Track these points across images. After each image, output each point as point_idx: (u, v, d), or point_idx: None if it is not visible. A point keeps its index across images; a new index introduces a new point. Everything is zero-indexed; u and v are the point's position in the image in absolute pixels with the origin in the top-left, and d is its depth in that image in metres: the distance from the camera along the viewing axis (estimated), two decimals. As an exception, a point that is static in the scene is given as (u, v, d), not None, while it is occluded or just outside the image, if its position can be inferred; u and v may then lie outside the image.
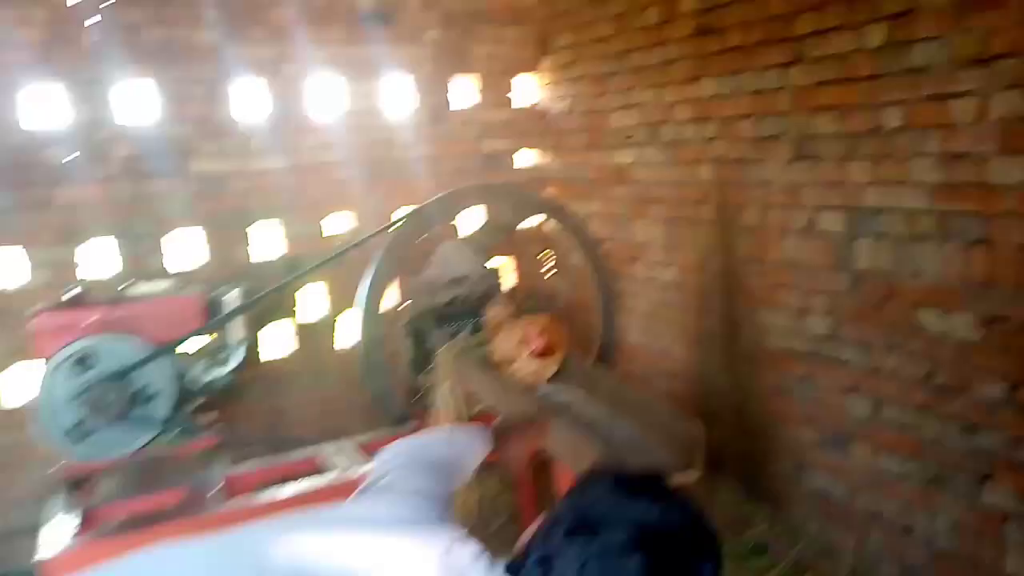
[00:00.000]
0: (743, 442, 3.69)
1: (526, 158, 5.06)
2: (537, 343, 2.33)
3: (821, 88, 3.06)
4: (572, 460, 2.03)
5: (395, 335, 2.97)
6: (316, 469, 2.68)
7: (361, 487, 1.33)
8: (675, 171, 3.91)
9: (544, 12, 4.84)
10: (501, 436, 1.83)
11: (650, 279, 4.21)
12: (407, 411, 2.96)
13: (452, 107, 4.80)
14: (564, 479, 2.74)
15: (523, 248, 5.00)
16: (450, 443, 1.60)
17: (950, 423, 2.72)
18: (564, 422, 2.06)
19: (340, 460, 2.63)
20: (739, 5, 3.42)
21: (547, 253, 5.01)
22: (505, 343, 2.43)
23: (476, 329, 2.86)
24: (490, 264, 2.98)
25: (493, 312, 2.65)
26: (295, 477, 2.58)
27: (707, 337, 3.85)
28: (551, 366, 2.45)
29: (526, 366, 2.40)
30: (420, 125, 4.73)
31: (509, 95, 4.95)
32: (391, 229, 3.01)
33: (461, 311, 2.87)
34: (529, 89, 5.00)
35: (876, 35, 2.82)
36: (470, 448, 1.69)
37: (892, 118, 2.80)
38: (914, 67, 2.70)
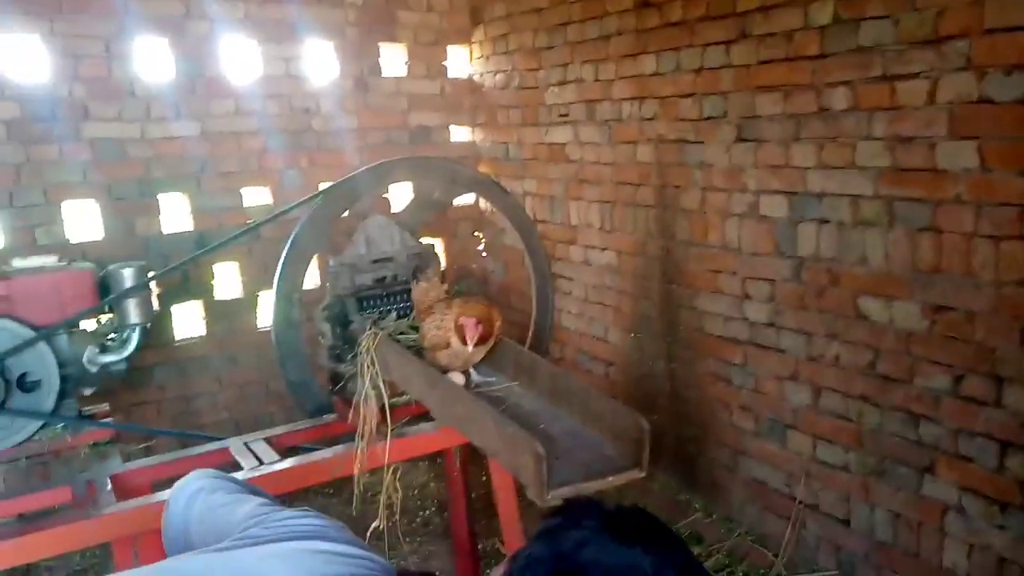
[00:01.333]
0: (680, 429, 3.59)
1: (457, 133, 4.82)
2: (473, 334, 2.13)
3: (765, 67, 2.95)
4: (508, 458, 1.85)
5: (314, 318, 2.72)
6: (221, 466, 2.41)
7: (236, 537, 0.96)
8: (613, 151, 3.76)
9: (477, -20, 4.61)
10: None
11: (585, 262, 4.06)
12: (326, 401, 2.72)
13: (378, 77, 4.52)
14: (500, 474, 2.57)
15: (454, 228, 4.79)
16: None
17: (891, 413, 2.67)
18: (499, 416, 1.87)
19: (249, 457, 2.37)
20: (681, -23, 3.28)
21: (479, 233, 4.81)
22: (436, 329, 2.22)
23: (402, 314, 2.64)
24: (418, 243, 2.76)
25: (421, 293, 2.43)
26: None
27: (644, 322, 3.73)
28: (482, 352, 2.26)
29: (458, 354, 2.20)
30: (343, 95, 4.44)
31: (439, 66, 4.70)
32: (312, 202, 2.75)
33: (386, 293, 2.64)
34: (460, 61, 4.76)
35: (823, 12, 2.71)
36: None
37: (838, 99, 2.70)
38: (862, 47, 2.60)
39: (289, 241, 2.68)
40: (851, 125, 2.67)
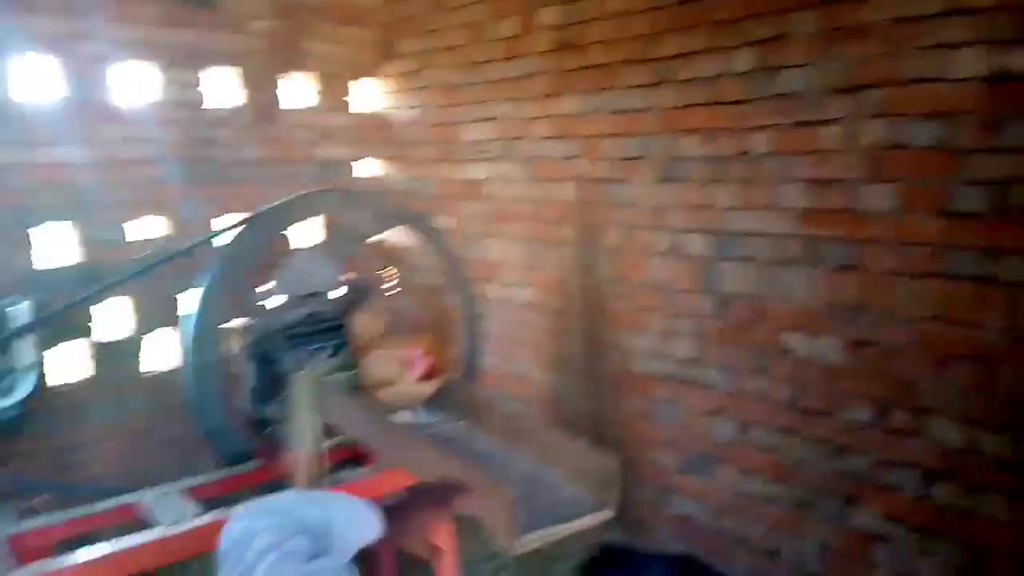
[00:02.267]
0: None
1: (367, 168, 4.70)
2: (422, 365, 2.03)
3: (688, 110, 3.04)
4: (472, 505, 1.74)
5: (232, 360, 2.52)
6: (133, 522, 2.17)
7: None
8: (534, 188, 3.76)
9: (386, 15, 4.54)
10: (404, 516, 1.40)
11: (505, 299, 4.01)
12: (248, 447, 2.51)
13: (284, 107, 4.35)
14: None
15: (364, 264, 4.62)
16: (324, 523, 1.11)
17: (816, 446, 2.75)
18: (463, 460, 1.77)
19: (165, 510, 2.14)
20: (600, 22, 3.35)
21: (390, 270, 4.66)
22: (381, 363, 2.10)
23: (334, 352, 2.49)
24: (351, 277, 2.63)
25: (362, 328, 2.30)
26: (106, 534, 2.06)
27: (567, 360, 3.71)
28: (430, 388, 2.16)
29: (405, 390, 2.08)
30: (247, 124, 4.24)
31: (348, 99, 4.58)
32: (228, 234, 2.57)
33: (317, 330, 2.49)
34: (371, 94, 4.66)
35: (744, 59, 2.83)
36: (352, 530, 1.20)
37: (760, 143, 2.82)
38: (783, 93, 2.73)
39: (209, 275, 2.48)
40: (772, 168, 2.78)
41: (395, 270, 4.59)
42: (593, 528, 1.81)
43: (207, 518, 2.07)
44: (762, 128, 2.80)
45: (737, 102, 2.87)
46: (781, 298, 2.81)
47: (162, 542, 1.99)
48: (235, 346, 2.56)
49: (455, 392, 2.26)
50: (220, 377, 2.44)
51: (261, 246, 2.53)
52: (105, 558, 1.89)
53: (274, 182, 4.26)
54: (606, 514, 1.78)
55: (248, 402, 2.45)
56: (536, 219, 3.77)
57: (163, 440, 3.89)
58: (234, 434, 2.47)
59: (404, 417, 2.15)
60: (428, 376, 2.08)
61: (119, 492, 2.30)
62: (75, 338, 3.76)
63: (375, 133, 4.67)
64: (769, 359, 2.87)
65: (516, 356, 4.01)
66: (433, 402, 2.25)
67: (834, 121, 2.60)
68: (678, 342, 3.19)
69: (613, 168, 3.35)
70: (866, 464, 2.60)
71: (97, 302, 3.56)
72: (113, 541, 1.95)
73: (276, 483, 2.33)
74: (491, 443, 2.07)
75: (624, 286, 3.38)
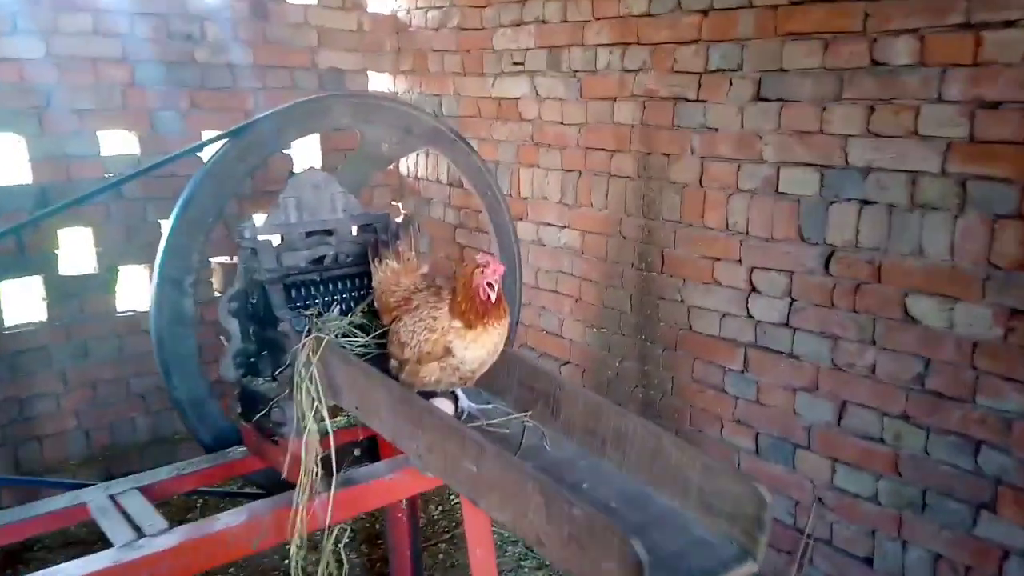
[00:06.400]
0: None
1: (377, 81, 4.03)
2: (497, 271, 1.45)
3: (798, 9, 2.40)
4: (567, 555, 1.18)
5: (217, 313, 1.93)
6: (76, 530, 1.61)
7: None
8: (582, 109, 3.12)
9: None
10: None
11: (538, 242, 3.42)
12: (228, 427, 1.94)
13: (280, 2, 3.66)
14: (475, 525, 1.90)
15: (368, 194, 4.00)
16: None
17: (942, 437, 2.21)
18: (557, 489, 1.20)
19: (117, 520, 1.58)
20: None
21: (399, 203, 4.06)
22: (426, 331, 1.51)
23: (347, 309, 1.90)
24: (371, 211, 2.02)
25: (389, 280, 1.70)
26: (45, 544, 1.51)
27: (612, 316, 3.14)
28: (499, 338, 1.56)
29: (460, 364, 1.50)
30: (236, 21, 3.56)
31: (358, -2, 3.90)
32: (212, 148, 1.95)
33: (325, 279, 1.89)
34: (384, -7, 3.97)
35: (886, -62, 2.18)
36: None
37: (899, 52, 2.19)
38: (939, -16, 2.09)
39: (179, 202, 1.87)
40: (914, 84, 2.17)
41: (401, 204, 3.99)
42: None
43: (172, 538, 1.50)
44: (904, 32, 2.17)
45: (870, -3, 2.23)
46: (910, 252, 2.22)
47: (120, 568, 1.43)
48: (217, 296, 1.97)
49: (517, 368, 1.68)
50: (193, 336, 1.85)
51: (252, 166, 1.91)
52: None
53: (268, 92, 3.64)
54: (750, 568, 1.23)
55: (232, 370, 1.86)
56: (584, 147, 3.14)
57: (129, 393, 3.37)
58: (212, 411, 1.89)
59: (445, 405, 1.57)
60: (497, 303, 1.48)
61: (62, 485, 1.74)
62: (32, 273, 3.17)
63: (387, 39, 3.99)
64: (886, 328, 2.30)
65: (549, 307, 3.44)
66: (484, 381, 1.67)
67: (1011, 24, 1.97)
68: (762, 301, 2.62)
69: (691, 84, 2.72)
70: (1009, 463, 2.08)
71: (42, 224, 2.95)
72: (43, 572, 1.38)
73: (265, 478, 1.77)
74: (569, 447, 1.51)
75: (694, 230, 2.78)
